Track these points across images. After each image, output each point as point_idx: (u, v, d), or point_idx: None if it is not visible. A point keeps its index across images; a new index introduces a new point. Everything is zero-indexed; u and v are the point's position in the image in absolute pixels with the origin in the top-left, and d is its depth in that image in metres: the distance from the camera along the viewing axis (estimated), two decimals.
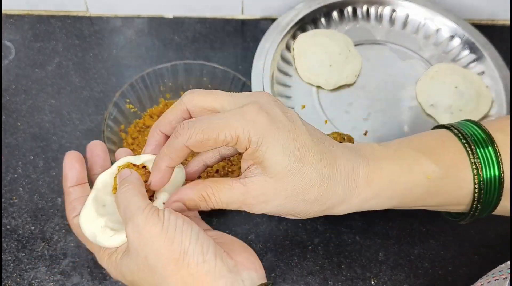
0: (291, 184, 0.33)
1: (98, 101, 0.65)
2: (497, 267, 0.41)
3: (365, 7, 0.72)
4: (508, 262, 0.40)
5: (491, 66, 0.66)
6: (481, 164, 0.36)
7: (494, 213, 0.41)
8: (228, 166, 0.55)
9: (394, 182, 0.36)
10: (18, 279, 0.51)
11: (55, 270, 0.51)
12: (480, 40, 0.68)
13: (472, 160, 0.36)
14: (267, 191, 0.33)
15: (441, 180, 0.36)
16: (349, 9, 0.72)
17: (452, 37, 0.70)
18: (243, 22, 0.76)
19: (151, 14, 0.75)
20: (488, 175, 0.36)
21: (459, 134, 0.38)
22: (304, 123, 0.36)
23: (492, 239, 0.55)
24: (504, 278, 0.38)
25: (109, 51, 0.70)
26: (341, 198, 0.35)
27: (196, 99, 0.36)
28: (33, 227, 0.54)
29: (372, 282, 0.52)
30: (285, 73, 0.64)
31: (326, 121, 0.61)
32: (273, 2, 0.74)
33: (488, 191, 0.36)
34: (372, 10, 0.72)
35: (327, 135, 0.55)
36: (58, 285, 0.50)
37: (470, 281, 0.43)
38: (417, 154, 0.37)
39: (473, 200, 0.37)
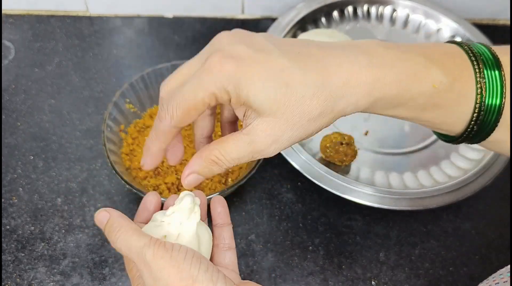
0: (289, 111, 0.32)
1: (98, 101, 0.65)
2: (498, 271, 0.41)
3: (365, 7, 0.72)
4: (509, 266, 0.40)
5: None
6: (485, 85, 0.35)
7: (487, 147, 0.40)
8: None
9: (400, 89, 0.35)
10: (18, 279, 0.50)
11: (55, 270, 0.51)
12: (481, 40, 0.68)
13: (478, 79, 0.36)
14: (272, 131, 0.32)
15: (445, 93, 0.36)
16: (350, 8, 0.71)
17: (453, 36, 0.70)
18: (244, 22, 0.76)
19: (151, 14, 0.75)
20: (490, 102, 0.36)
21: (469, 51, 0.37)
22: (277, 43, 0.34)
23: (492, 240, 0.55)
24: (504, 282, 0.38)
25: (109, 51, 0.70)
26: (346, 102, 0.34)
27: (170, 86, 0.35)
28: (33, 227, 0.54)
29: (373, 283, 0.52)
30: None
31: None
32: (273, 1, 0.74)
33: (487, 112, 0.36)
34: (373, 10, 0.72)
35: (327, 135, 0.56)
36: (58, 285, 0.50)
37: (471, 281, 0.42)
38: (426, 62, 0.36)
39: (471, 120, 0.36)
